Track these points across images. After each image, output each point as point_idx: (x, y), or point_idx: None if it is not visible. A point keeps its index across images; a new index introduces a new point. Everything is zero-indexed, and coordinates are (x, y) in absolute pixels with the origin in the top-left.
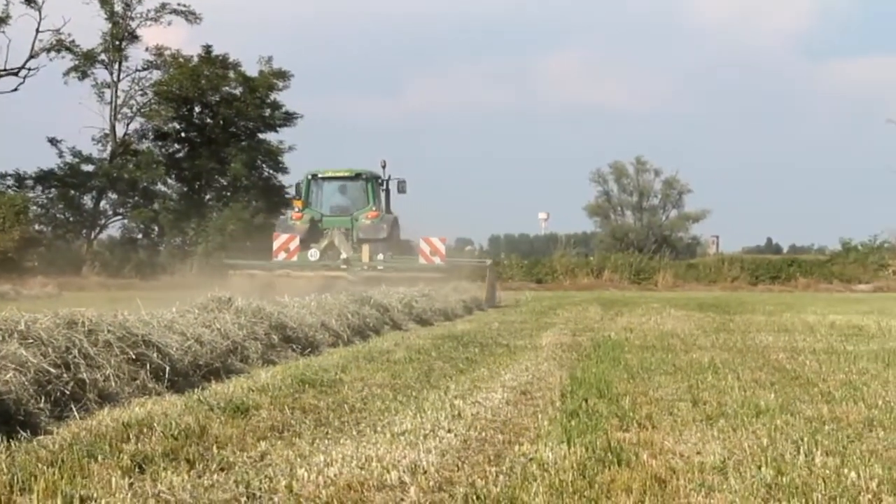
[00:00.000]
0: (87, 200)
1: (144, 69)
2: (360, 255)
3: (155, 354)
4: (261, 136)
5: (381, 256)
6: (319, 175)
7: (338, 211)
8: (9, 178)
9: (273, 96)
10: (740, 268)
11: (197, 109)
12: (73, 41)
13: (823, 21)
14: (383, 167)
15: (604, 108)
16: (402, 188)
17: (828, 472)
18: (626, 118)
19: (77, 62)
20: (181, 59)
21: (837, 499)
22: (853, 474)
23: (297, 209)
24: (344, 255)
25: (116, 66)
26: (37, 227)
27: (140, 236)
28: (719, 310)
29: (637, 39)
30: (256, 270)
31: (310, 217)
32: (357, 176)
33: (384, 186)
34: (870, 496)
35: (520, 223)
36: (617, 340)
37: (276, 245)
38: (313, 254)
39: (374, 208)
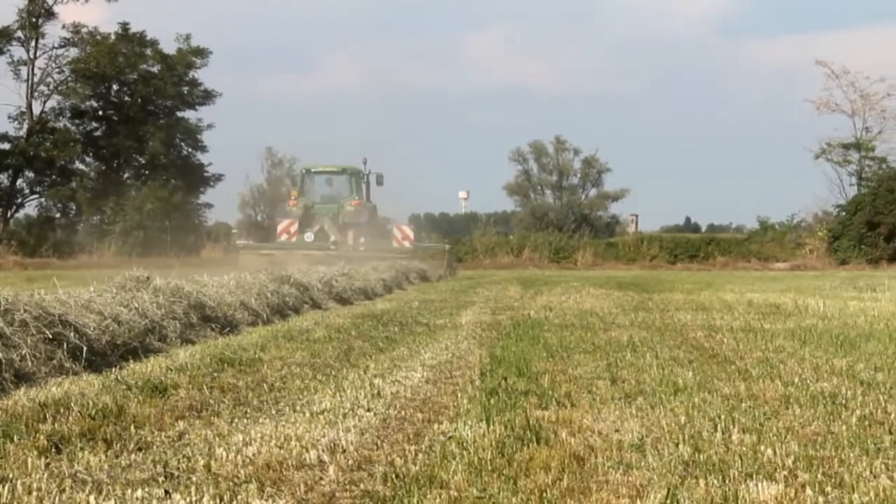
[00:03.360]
0: (3, 179)
1: (61, 46)
2: (345, 238)
3: (72, 334)
4: (179, 114)
5: (362, 240)
6: (312, 169)
7: (327, 199)
8: None
9: (191, 74)
10: (659, 247)
11: (114, 87)
12: None
13: (742, 1)
14: (364, 163)
15: (524, 88)
16: (379, 181)
17: (745, 449)
18: (546, 98)
19: None
20: (98, 37)
21: (754, 475)
22: (769, 451)
23: (293, 198)
24: (333, 238)
25: (33, 44)
26: None
27: (57, 215)
28: (638, 288)
29: (557, 19)
30: (265, 250)
31: (303, 204)
32: (343, 171)
33: (365, 179)
34: (786, 472)
35: (440, 202)
36: (536, 319)
37: (279, 228)
38: (309, 236)
39: (356, 198)
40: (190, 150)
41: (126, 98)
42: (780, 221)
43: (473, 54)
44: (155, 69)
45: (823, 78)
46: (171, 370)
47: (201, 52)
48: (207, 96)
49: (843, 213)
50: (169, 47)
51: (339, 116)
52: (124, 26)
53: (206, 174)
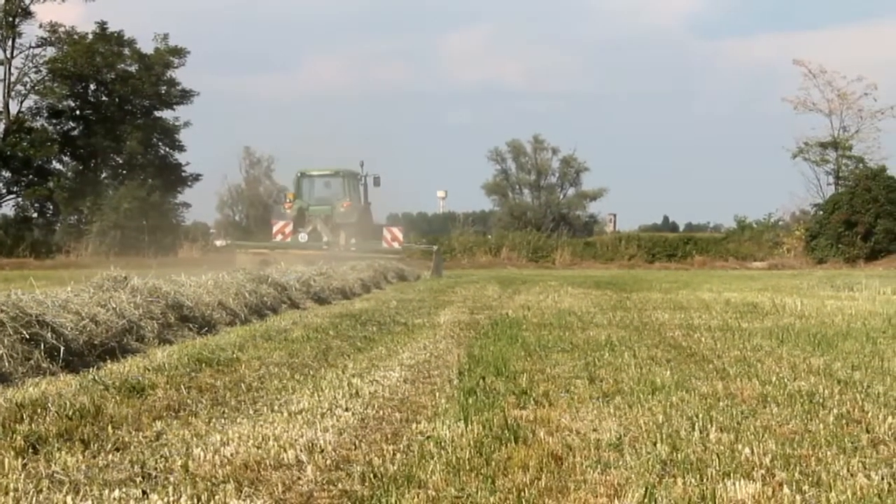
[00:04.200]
0: None
1: (38, 46)
2: (338, 239)
3: (49, 334)
4: (157, 113)
5: (353, 241)
6: (307, 173)
7: (321, 201)
8: None
9: (169, 73)
10: (637, 246)
11: (92, 87)
12: None
13: (719, 0)
14: (361, 166)
15: (502, 87)
16: (377, 182)
17: (722, 447)
18: (524, 97)
19: None
20: (76, 36)
21: (731, 474)
22: (747, 450)
23: (288, 200)
24: (325, 239)
25: (10, 43)
26: None
27: (34, 215)
28: (616, 287)
29: (535, 19)
30: (261, 250)
31: (298, 206)
32: (336, 173)
33: (363, 182)
34: (763, 471)
35: (418, 201)
36: (514, 318)
37: (274, 229)
38: (303, 237)
39: (347, 199)
40: (167, 149)
41: (103, 97)
42: (758, 220)
43: (452, 54)
44: (132, 69)
45: (801, 77)
46: (149, 370)
47: (179, 52)
48: (185, 96)
49: (821, 213)
50: (146, 47)
51: (318, 116)
52: (102, 26)
53: (183, 174)
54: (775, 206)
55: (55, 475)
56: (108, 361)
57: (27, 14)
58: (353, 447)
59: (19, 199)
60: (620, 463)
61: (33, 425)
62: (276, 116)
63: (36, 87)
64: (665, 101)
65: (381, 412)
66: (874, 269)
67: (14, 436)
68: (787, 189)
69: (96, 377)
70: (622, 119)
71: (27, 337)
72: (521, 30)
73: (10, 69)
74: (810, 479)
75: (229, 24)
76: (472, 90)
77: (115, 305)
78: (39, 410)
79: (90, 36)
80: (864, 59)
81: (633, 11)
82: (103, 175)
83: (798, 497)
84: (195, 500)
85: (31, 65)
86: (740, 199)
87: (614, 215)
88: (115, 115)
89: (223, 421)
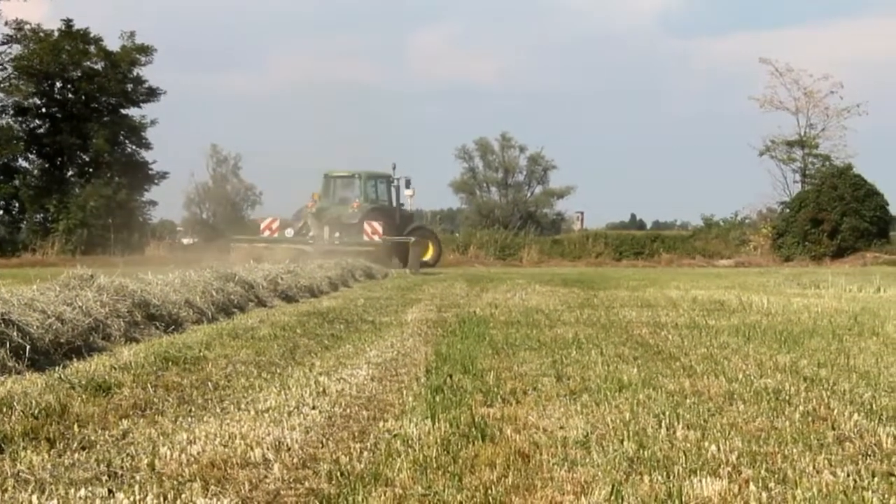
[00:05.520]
0: None
1: (4, 43)
2: (322, 233)
3: (15, 333)
4: (123, 111)
5: (337, 234)
6: (330, 174)
7: (344, 201)
8: None
9: (136, 71)
10: (604, 244)
11: (58, 84)
12: None
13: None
14: (393, 168)
15: (469, 85)
16: (408, 184)
17: (689, 445)
18: (492, 95)
19: None
20: (41, 34)
21: (698, 471)
22: (713, 447)
23: (312, 200)
24: (312, 233)
25: None
26: None
27: (0, 213)
28: (583, 285)
29: (503, 16)
30: (247, 244)
31: (318, 206)
32: (352, 175)
33: (395, 183)
34: (729, 469)
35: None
36: (482, 316)
37: (262, 225)
38: (289, 232)
39: (357, 200)
40: (134, 147)
41: (70, 95)
42: (725, 218)
43: (419, 52)
44: (99, 66)
45: (768, 76)
46: (115, 369)
47: (145, 50)
48: (152, 94)
49: (787, 211)
50: (113, 44)
51: (285, 113)
52: (68, 23)
53: (150, 172)
54: (742, 205)
55: (20, 474)
56: (75, 360)
57: None
58: (320, 445)
59: None
60: (587, 460)
61: None
62: (244, 114)
63: (1, 85)
64: (633, 100)
65: (348, 410)
66: (840, 266)
67: None
68: (754, 187)
69: (62, 376)
70: (590, 117)
71: None
72: (489, 27)
73: None
74: (776, 476)
75: (194, 20)
76: (440, 88)
77: (81, 304)
78: (5, 409)
79: (56, 33)
80: (830, 57)
81: (600, 8)
82: (69, 173)
83: (764, 494)
84: (161, 499)
85: None
86: (708, 197)
87: (582, 213)
88: (81, 113)
89: (190, 419)
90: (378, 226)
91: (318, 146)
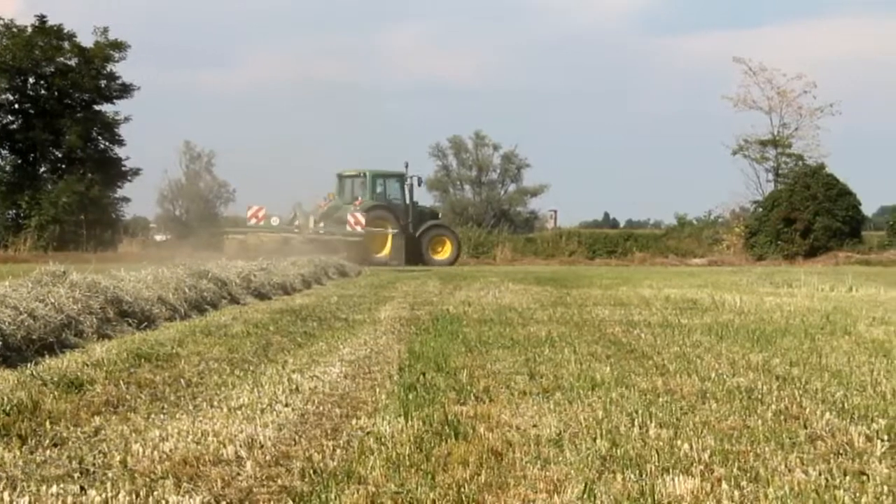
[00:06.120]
0: None
1: None
2: (307, 223)
3: None
4: (97, 107)
5: (321, 224)
6: (343, 174)
7: (353, 199)
8: None
9: (109, 67)
10: (578, 242)
11: (31, 80)
12: None
13: None
14: (406, 167)
15: (443, 83)
16: (420, 182)
17: (661, 443)
18: (466, 93)
19: None
20: (15, 29)
21: (670, 470)
22: (686, 446)
23: (325, 198)
24: (297, 223)
25: None
26: None
27: None
28: (557, 284)
29: (477, 14)
30: (239, 234)
31: (331, 205)
32: (359, 174)
33: (408, 182)
34: (702, 467)
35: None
36: (455, 314)
37: (249, 213)
38: (275, 220)
39: (360, 198)
40: (107, 143)
41: (43, 91)
42: (698, 217)
43: (393, 50)
44: (72, 62)
45: (741, 75)
46: (88, 365)
47: (119, 46)
48: (125, 90)
49: (760, 210)
50: (86, 40)
51: (259, 111)
52: (41, 19)
53: (123, 168)
54: (715, 204)
55: None
56: (47, 356)
57: None
58: (293, 443)
59: None
60: (560, 459)
61: None
62: (218, 111)
63: None
64: (607, 98)
65: (321, 408)
66: (813, 265)
67: None
68: (728, 186)
69: (34, 372)
70: (564, 115)
71: None
72: (463, 26)
73: None
74: (748, 474)
75: (168, 17)
76: (414, 86)
77: (53, 300)
78: None
79: (29, 29)
80: (803, 57)
81: (574, 7)
82: (42, 169)
83: (736, 492)
84: (133, 496)
85: None
86: (681, 196)
87: (555, 211)
88: (54, 109)
89: (162, 416)
90: (361, 217)
91: (292, 143)
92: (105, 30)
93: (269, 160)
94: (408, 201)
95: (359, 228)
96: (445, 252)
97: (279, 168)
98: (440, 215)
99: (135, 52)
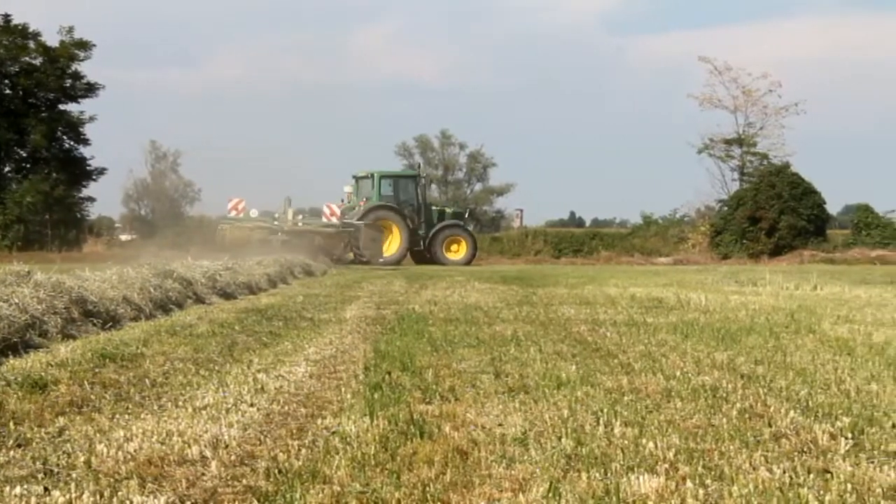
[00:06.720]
0: None
1: None
2: (286, 215)
3: None
4: (62, 106)
5: (300, 217)
6: (357, 175)
7: (364, 198)
8: None
9: (74, 66)
10: (544, 241)
11: None
12: None
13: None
14: (418, 167)
15: (410, 82)
16: (429, 182)
17: (626, 442)
18: (432, 92)
19: None
20: None
21: (635, 468)
22: (651, 444)
23: (342, 199)
24: (277, 214)
25: None
26: None
27: None
28: (523, 283)
29: (444, 14)
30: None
31: (346, 205)
32: (368, 175)
33: (421, 182)
34: (667, 465)
35: (324, 196)
36: (421, 313)
37: (229, 206)
38: (254, 212)
39: (365, 198)
40: (72, 143)
41: (7, 91)
42: (664, 216)
43: (360, 48)
44: (37, 62)
45: (707, 74)
46: (52, 366)
47: (84, 45)
48: (90, 89)
49: (726, 208)
50: (52, 40)
51: (226, 110)
52: (6, 18)
53: (88, 168)
54: (681, 202)
55: None
56: (11, 357)
57: None
58: (258, 443)
59: None
60: (525, 457)
61: None
62: (183, 111)
63: None
64: (573, 98)
65: (286, 407)
66: (778, 264)
67: None
68: (693, 185)
69: None
70: (530, 115)
71: None
72: (430, 25)
73: None
74: (713, 472)
75: (132, 15)
76: (380, 85)
77: (17, 300)
78: None
79: None
80: (769, 56)
81: (542, 6)
82: (6, 169)
83: (701, 491)
84: (98, 496)
85: None
86: (647, 195)
87: (521, 211)
88: (18, 109)
89: (127, 416)
90: (337, 209)
91: (258, 142)
92: (70, 29)
93: (236, 158)
94: (419, 201)
95: (334, 219)
96: (461, 252)
97: (247, 166)
98: (466, 215)
99: (101, 51)
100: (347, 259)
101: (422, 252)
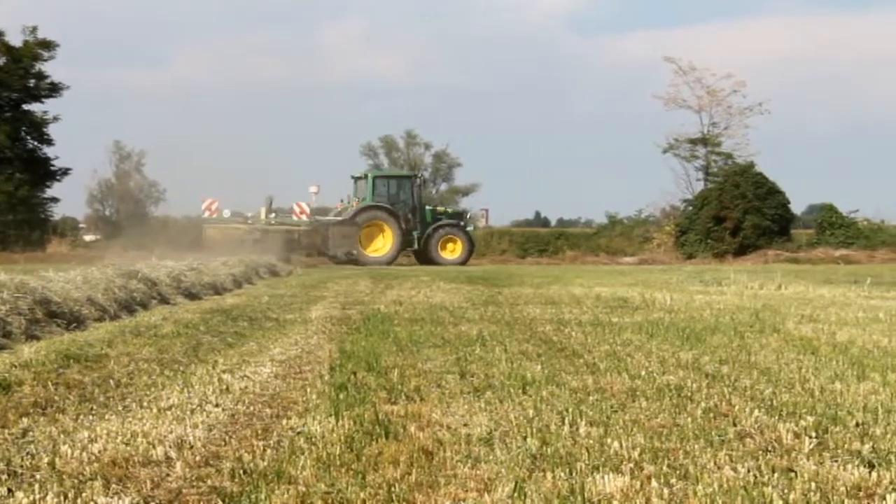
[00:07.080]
0: None
1: None
2: (260, 214)
3: None
4: (25, 107)
5: (272, 215)
6: (354, 176)
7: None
8: None
9: (38, 66)
10: (509, 241)
11: None
12: None
13: None
14: (414, 168)
15: (375, 82)
16: (424, 184)
17: (591, 441)
18: (398, 92)
19: None
20: None
21: (600, 468)
22: (616, 444)
23: (341, 200)
24: (250, 214)
25: None
26: None
27: None
28: (488, 282)
29: (410, 13)
30: (214, 225)
31: (345, 205)
32: (363, 175)
33: (418, 182)
34: (632, 465)
35: (291, 195)
36: (386, 314)
37: (203, 206)
38: (226, 213)
39: (358, 198)
40: (36, 143)
41: None
42: (629, 216)
43: (324, 47)
44: (0, 61)
45: (671, 74)
46: (16, 367)
47: (48, 45)
48: (54, 89)
49: (690, 208)
50: (15, 39)
51: (191, 109)
52: None
53: (52, 168)
54: (646, 202)
55: None
56: None
57: None
58: (223, 443)
59: None
60: (491, 457)
61: None
62: (149, 110)
63: None
64: (538, 98)
65: (251, 408)
66: (742, 264)
67: None
68: (658, 185)
69: None
70: (495, 115)
71: None
72: (395, 24)
73: None
74: (678, 472)
75: (97, 14)
76: (345, 84)
77: None
78: None
79: None
80: (733, 56)
81: (507, 6)
82: None
83: (666, 490)
84: (62, 498)
85: None
86: (612, 195)
87: (486, 210)
88: None
89: (91, 417)
90: (306, 206)
91: (223, 143)
92: (34, 29)
93: (201, 159)
94: (415, 202)
95: (304, 217)
96: (456, 251)
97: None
98: (468, 216)
99: (65, 50)
100: (343, 258)
101: (420, 252)
